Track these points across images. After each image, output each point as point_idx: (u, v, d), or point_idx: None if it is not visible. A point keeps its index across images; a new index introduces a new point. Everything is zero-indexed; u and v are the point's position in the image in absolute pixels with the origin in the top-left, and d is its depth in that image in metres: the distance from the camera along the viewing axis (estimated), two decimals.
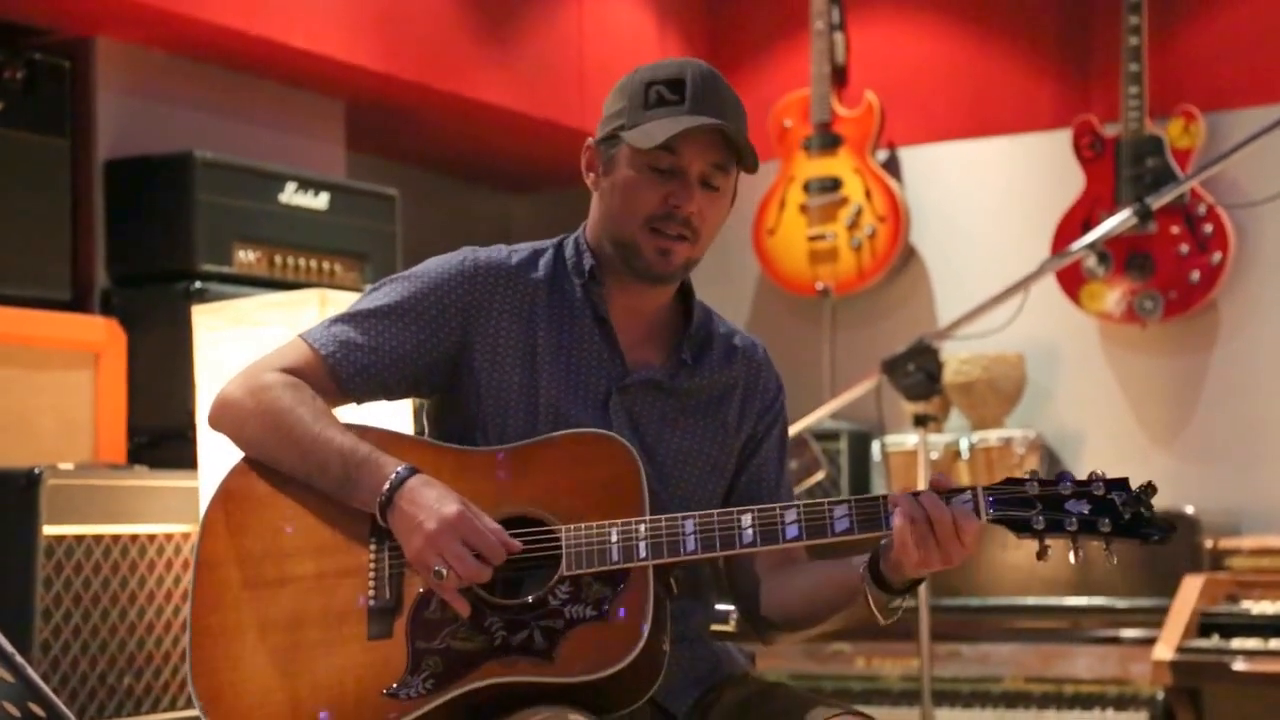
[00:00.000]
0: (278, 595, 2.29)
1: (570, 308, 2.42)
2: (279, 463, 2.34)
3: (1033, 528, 2.18)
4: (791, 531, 2.23)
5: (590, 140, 2.45)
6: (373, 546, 2.29)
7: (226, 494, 2.37)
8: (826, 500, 2.24)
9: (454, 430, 2.41)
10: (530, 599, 2.23)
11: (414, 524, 2.22)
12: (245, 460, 2.38)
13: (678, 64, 2.39)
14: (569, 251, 2.46)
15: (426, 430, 2.48)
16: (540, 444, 2.32)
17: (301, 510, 2.33)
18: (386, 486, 2.25)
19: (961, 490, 2.19)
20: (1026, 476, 2.21)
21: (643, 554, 2.23)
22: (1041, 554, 2.19)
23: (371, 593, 2.27)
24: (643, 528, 2.23)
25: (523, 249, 2.46)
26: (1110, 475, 2.20)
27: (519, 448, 2.33)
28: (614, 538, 2.23)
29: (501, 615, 2.23)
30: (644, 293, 2.43)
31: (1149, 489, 2.19)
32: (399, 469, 2.26)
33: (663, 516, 2.25)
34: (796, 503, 2.25)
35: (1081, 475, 2.21)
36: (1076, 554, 2.19)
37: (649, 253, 2.35)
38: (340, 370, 2.36)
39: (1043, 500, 2.18)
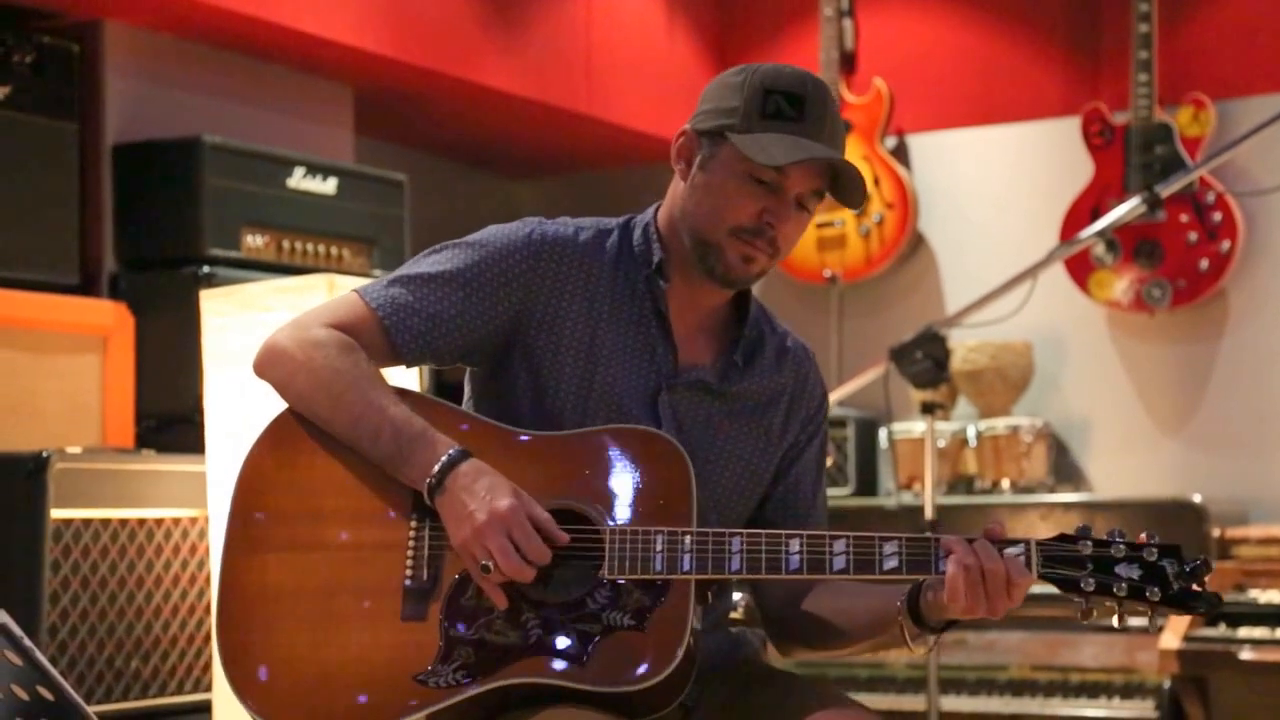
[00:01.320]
0: (312, 560, 2.26)
1: (632, 296, 2.37)
2: (327, 423, 2.29)
3: (1081, 589, 2.16)
4: (839, 563, 2.20)
5: (688, 127, 2.36)
6: (413, 523, 2.25)
7: (268, 445, 2.32)
8: (877, 535, 2.20)
9: (499, 402, 2.36)
10: (569, 599, 2.20)
11: (464, 512, 2.18)
12: (288, 411, 2.33)
13: (798, 76, 2.31)
14: (636, 236, 2.39)
15: (467, 394, 2.43)
16: (594, 435, 2.28)
17: (343, 473, 2.28)
18: (437, 468, 2.21)
19: (1015, 542, 2.18)
20: (1079, 534, 2.19)
21: (686, 567, 2.19)
22: (1086, 614, 2.18)
23: (409, 572, 2.23)
24: (688, 539, 2.20)
25: (588, 226, 2.40)
26: (1162, 541, 2.18)
27: (571, 436, 2.29)
28: (659, 546, 2.19)
29: (538, 612, 2.20)
30: (707, 291, 2.37)
31: (1204, 565, 2.16)
32: (451, 451, 2.22)
33: (709, 530, 2.21)
34: (846, 534, 2.21)
35: (1126, 535, 2.19)
36: (1121, 618, 2.18)
37: (732, 256, 2.30)
38: (395, 334, 2.31)
39: (1095, 561, 2.17)
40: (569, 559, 2.23)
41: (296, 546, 2.27)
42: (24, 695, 1.94)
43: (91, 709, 1.97)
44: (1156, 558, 2.16)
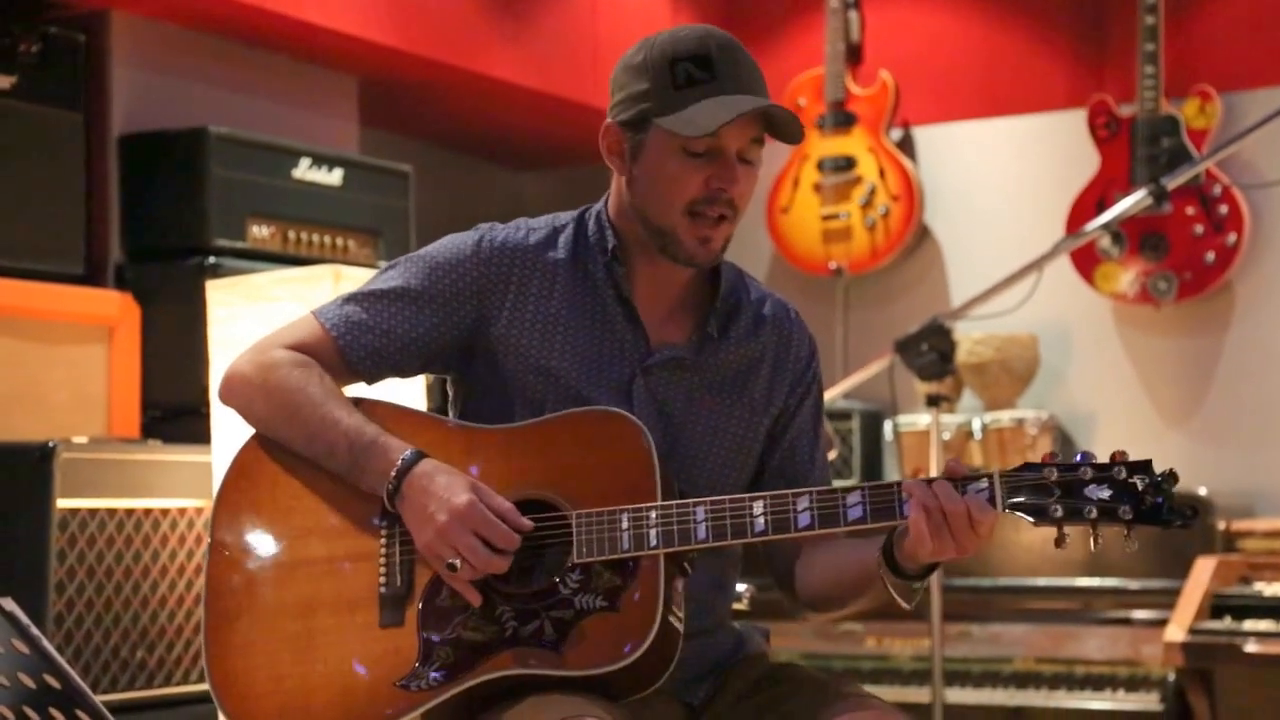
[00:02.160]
0: (290, 578, 2.28)
1: (592, 287, 2.36)
2: (288, 442, 2.32)
3: (1051, 516, 2.10)
4: (803, 520, 2.17)
5: (610, 121, 2.33)
6: (383, 530, 2.27)
7: (239, 472, 2.35)
8: (840, 488, 2.18)
9: (472, 408, 2.37)
10: (540, 587, 2.20)
11: (424, 515, 2.19)
12: (257, 436, 2.36)
13: (696, 36, 2.28)
14: (591, 227, 2.38)
15: (451, 399, 2.43)
16: (551, 422, 2.27)
17: (313, 490, 2.30)
18: (394, 473, 2.22)
19: (978, 477, 2.12)
20: (1045, 462, 2.13)
21: (653, 542, 2.17)
22: (1059, 541, 2.11)
23: (383, 579, 2.25)
24: (653, 514, 2.18)
25: (541, 225, 2.39)
26: (1133, 457, 2.11)
27: (529, 426, 2.28)
28: (624, 524, 2.18)
29: (512, 604, 2.20)
30: (671, 268, 2.35)
31: (1171, 477, 2.10)
32: (405, 454, 2.23)
33: (674, 502, 2.19)
34: (809, 490, 2.19)
35: (1097, 457, 2.14)
36: (1095, 540, 2.10)
37: (690, 242, 2.28)
38: (349, 353, 2.33)
39: (1061, 487, 2.10)
40: (539, 549, 2.23)
41: (274, 567, 2.30)
42: (31, 683, 1.95)
43: (97, 698, 1.98)
44: (1126, 475, 2.09)
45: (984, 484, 2.12)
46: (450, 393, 2.44)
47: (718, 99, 2.24)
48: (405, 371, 2.38)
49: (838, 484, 2.25)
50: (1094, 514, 2.09)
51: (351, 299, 2.37)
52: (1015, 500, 2.12)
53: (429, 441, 2.28)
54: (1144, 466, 2.11)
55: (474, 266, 2.34)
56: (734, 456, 2.37)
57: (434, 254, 2.37)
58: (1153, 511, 2.08)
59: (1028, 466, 2.13)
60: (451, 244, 2.37)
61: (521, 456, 2.27)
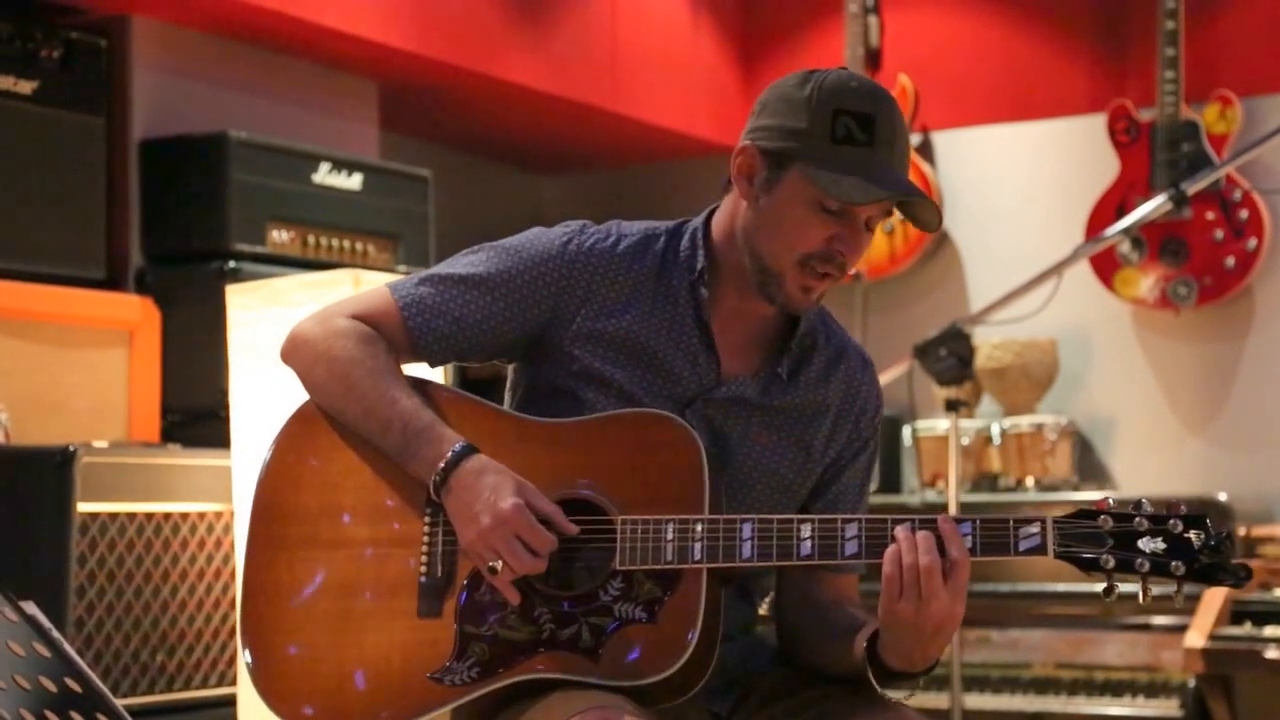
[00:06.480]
0: (332, 557, 2.27)
1: (673, 304, 2.32)
2: (342, 414, 2.29)
3: (1101, 567, 2.09)
4: (850, 548, 2.15)
5: (749, 144, 2.27)
6: (427, 518, 2.25)
7: (288, 442, 2.33)
8: (889, 518, 2.15)
9: (530, 401, 2.36)
10: (581, 592, 2.19)
11: (469, 514, 2.18)
12: (309, 404, 2.33)
13: (868, 93, 2.22)
14: (684, 243, 2.34)
15: (510, 384, 2.42)
16: (604, 420, 2.26)
17: (361, 468, 2.29)
18: (442, 465, 2.20)
19: (1031, 520, 2.11)
20: (1098, 509, 2.11)
21: (697, 556, 2.16)
22: (1109, 592, 2.10)
23: (423, 569, 2.24)
24: (699, 527, 2.16)
25: (634, 232, 2.36)
26: (1188, 510, 2.10)
27: (582, 422, 2.27)
28: (669, 535, 2.17)
29: (551, 607, 2.19)
30: (756, 300, 2.31)
31: (1228, 538, 2.07)
32: (455, 447, 2.21)
33: (720, 517, 2.18)
34: (858, 516, 2.17)
35: (1149, 506, 2.10)
36: (1145, 594, 2.09)
37: (793, 289, 2.25)
38: (419, 335, 2.31)
39: (1115, 537, 2.10)
40: (582, 551, 2.22)
41: (316, 544, 2.28)
42: (52, 687, 1.95)
43: (117, 702, 1.98)
44: (1181, 530, 2.08)
45: (1035, 529, 2.10)
46: (510, 379, 2.43)
47: (868, 168, 2.19)
48: (470, 359, 2.36)
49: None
50: (1145, 568, 2.08)
51: (428, 279, 2.34)
52: (1065, 549, 2.10)
53: (482, 430, 2.26)
54: (1199, 521, 2.09)
55: (557, 267, 2.32)
56: (779, 498, 2.33)
57: (519, 246, 2.34)
58: (1206, 571, 2.07)
59: (1082, 513, 2.12)
60: (538, 239, 2.34)
61: (570, 452, 2.25)
